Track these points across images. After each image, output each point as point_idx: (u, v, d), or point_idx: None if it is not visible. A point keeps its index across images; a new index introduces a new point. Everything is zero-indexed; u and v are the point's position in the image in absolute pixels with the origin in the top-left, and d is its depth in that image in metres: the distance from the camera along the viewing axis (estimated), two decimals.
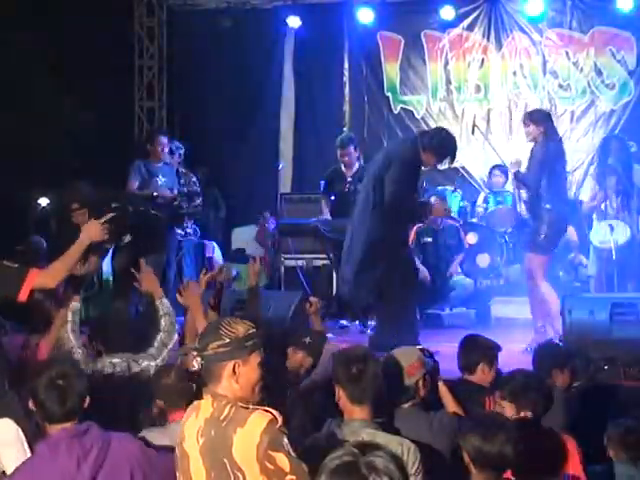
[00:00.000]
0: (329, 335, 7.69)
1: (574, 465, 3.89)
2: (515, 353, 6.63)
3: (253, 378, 3.16)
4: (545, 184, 7.26)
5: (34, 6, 9.26)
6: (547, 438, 3.89)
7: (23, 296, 4.39)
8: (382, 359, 4.15)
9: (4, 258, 4.42)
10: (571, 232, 9.84)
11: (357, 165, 9.12)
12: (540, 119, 7.46)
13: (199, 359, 3.14)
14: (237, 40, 11.25)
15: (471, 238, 9.67)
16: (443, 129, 7.63)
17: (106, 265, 8.20)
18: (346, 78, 11.70)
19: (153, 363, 4.74)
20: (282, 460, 2.98)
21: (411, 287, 7.17)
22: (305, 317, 6.85)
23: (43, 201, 9.76)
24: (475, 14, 11.25)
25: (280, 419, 3.04)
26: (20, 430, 3.94)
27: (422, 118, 11.46)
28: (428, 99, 11.47)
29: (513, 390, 4.13)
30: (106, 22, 10.43)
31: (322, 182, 9.56)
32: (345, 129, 11.43)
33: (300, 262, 9.42)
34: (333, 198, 9.10)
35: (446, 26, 11.29)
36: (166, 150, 8.91)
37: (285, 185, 11.46)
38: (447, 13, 11.10)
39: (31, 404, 3.51)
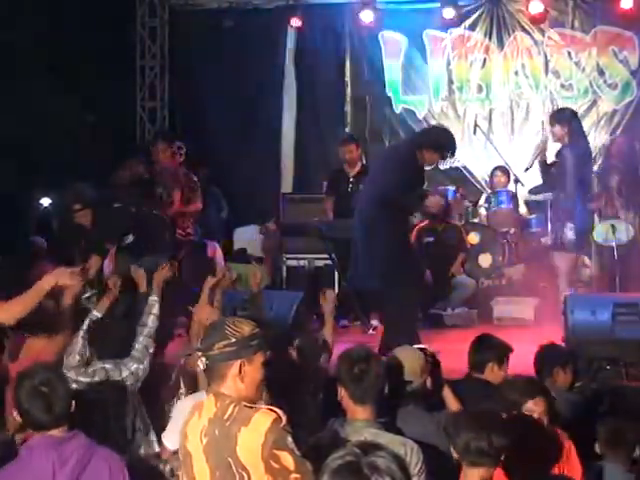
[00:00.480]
0: None
1: (570, 463, 3.88)
2: (517, 353, 6.61)
3: (257, 377, 3.17)
4: (575, 185, 7.24)
5: (35, 6, 9.26)
6: (539, 433, 3.88)
7: None
8: (385, 359, 4.14)
9: (4, 258, 4.41)
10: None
11: (359, 165, 9.12)
12: (565, 119, 7.40)
13: (204, 359, 3.14)
14: (239, 40, 11.25)
15: (473, 238, 9.67)
16: (439, 126, 7.63)
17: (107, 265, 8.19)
18: (348, 78, 11.70)
19: (141, 366, 4.77)
20: (287, 459, 2.99)
21: (417, 287, 7.18)
22: (306, 317, 6.88)
23: (45, 201, 9.76)
24: (477, 14, 11.25)
25: (284, 418, 3.04)
26: None
27: (424, 118, 11.45)
28: (430, 99, 11.46)
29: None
30: (108, 22, 10.42)
31: (325, 182, 9.57)
32: (347, 129, 11.43)
33: (302, 262, 9.42)
34: (335, 198, 9.10)
35: (448, 26, 11.29)
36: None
37: (287, 185, 11.46)
38: (449, 13, 11.09)
39: (16, 414, 3.44)
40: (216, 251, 10.14)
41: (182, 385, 4.79)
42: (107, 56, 10.30)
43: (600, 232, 8.09)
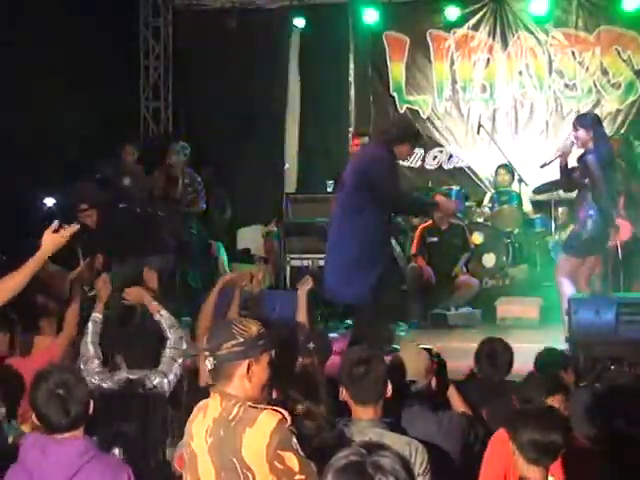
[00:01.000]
0: (333, 334, 7.75)
1: None
2: (521, 353, 6.61)
3: (263, 377, 3.17)
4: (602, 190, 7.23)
5: (37, 6, 9.26)
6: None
7: None
8: (390, 360, 4.14)
9: (9, 258, 4.41)
10: None
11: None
12: (590, 124, 7.34)
13: (211, 359, 3.13)
14: (242, 40, 11.25)
15: (477, 238, 9.66)
16: (397, 118, 7.65)
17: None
18: (352, 78, 11.71)
19: (165, 380, 4.67)
20: (291, 460, 2.99)
21: (395, 288, 7.21)
22: (310, 318, 6.87)
23: (49, 201, 9.76)
24: (481, 14, 11.25)
25: (289, 419, 3.04)
26: None
27: (428, 118, 11.46)
28: (434, 99, 11.46)
29: None
30: (111, 22, 10.43)
31: (331, 181, 9.57)
32: (350, 129, 11.44)
33: (306, 262, 9.42)
34: None
35: (452, 26, 11.29)
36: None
37: (290, 185, 11.46)
38: (452, 13, 11.10)
39: (34, 416, 3.40)
40: (220, 251, 10.17)
41: (184, 385, 4.78)
42: (111, 56, 10.30)
43: None
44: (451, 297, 9.17)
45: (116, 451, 3.96)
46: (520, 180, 9.91)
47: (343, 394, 3.74)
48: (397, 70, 11.56)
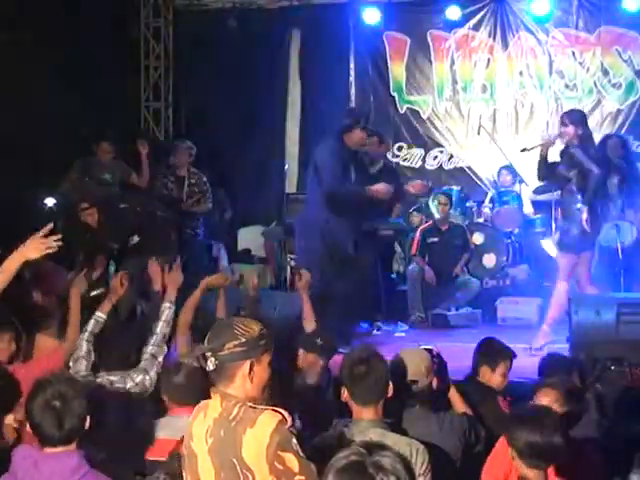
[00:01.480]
0: None
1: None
2: (521, 354, 6.62)
3: (264, 377, 3.17)
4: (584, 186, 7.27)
5: (38, 6, 9.25)
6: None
7: None
8: (391, 360, 4.14)
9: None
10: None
11: (380, 162, 9.14)
12: (579, 121, 7.40)
13: (213, 359, 3.12)
14: (243, 40, 11.25)
15: (477, 238, 9.67)
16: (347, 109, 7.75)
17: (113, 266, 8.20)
18: (352, 78, 11.70)
19: (147, 377, 4.67)
20: (291, 460, 2.98)
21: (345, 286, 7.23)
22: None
23: (49, 201, 9.76)
24: (481, 14, 11.24)
25: (289, 419, 3.04)
26: None
27: (428, 118, 11.46)
28: (434, 99, 11.46)
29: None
30: (112, 22, 10.43)
31: None
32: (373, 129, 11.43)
33: None
34: None
35: (452, 26, 11.28)
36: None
37: (291, 185, 11.46)
38: (453, 13, 11.09)
39: (28, 427, 3.33)
40: (220, 252, 10.17)
41: None
42: (111, 56, 10.30)
43: (604, 234, 8.08)
44: (451, 297, 9.19)
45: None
46: (520, 180, 9.91)
47: (344, 394, 3.74)
48: (397, 70, 11.56)
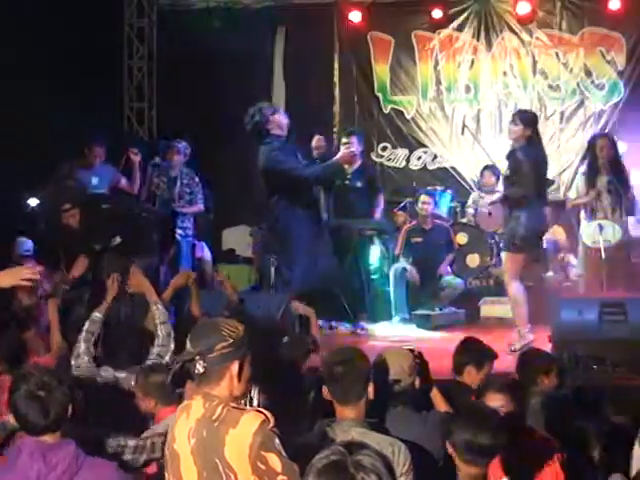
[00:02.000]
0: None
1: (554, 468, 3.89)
2: (504, 353, 6.64)
3: (247, 376, 3.19)
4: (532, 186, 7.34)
5: (22, 6, 9.22)
6: (532, 434, 3.90)
7: None
8: (374, 360, 4.14)
9: None
10: (560, 232, 9.90)
11: (359, 161, 9.15)
12: (530, 121, 7.49)
13: (202, 362, 3.12)
14: (227, 40, 11.22)
15: (461, 238, 9.70)
16: None
17: None
18: (336, 78, 11.71)
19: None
20: (274, 460, 2.99)
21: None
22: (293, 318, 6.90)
23: (32, 202, 9.72)
24: (465, 15, 11.26)
25: (272, 420, 3.04)
26: None
27: (412, 118, 11.47)
28: (418, 99, 11.48)
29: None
30: (95, 22, 10.38)
31: None
32: (335, 129, 11.44)
33: None
34: (332, 194, 9.10)
35: (436, 27, 11.31)
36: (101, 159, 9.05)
37: None
38: (437, 14, 11.12)
39: (12, 418, 3.38)
40: (204, 252, 10.15)
41: None
42: (95, 57, 10.27)
43: (587, 232, 8.11)
44: (435, 297, 9.20)
45: None
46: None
47: (325, 393, 3.75)
48: (382, 70, 11.57)
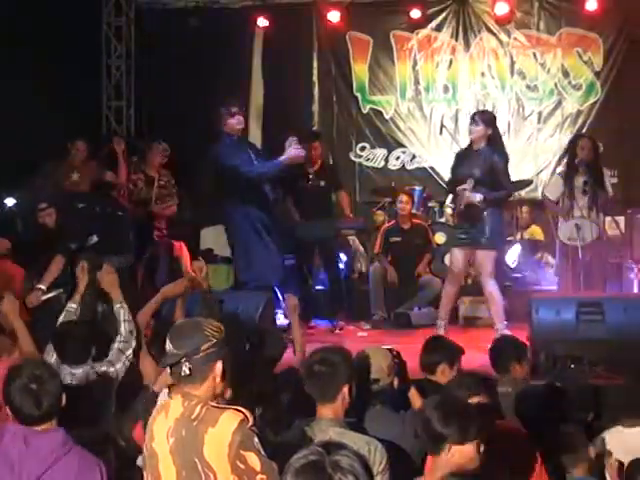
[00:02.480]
0: None
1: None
2: (483, 352, 6.66)
3: (226, 374, 3.22)
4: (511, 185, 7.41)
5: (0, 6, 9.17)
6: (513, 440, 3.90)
7: None
8: (354, 360, 4.14)
9: None
10: (538, 231, 9.95)
11: (319, 162, 9.18)
12: (490, 121, 7.57)
13: (187, 364, 3.14)
14: (206, 40, 11.20)
15: (439, 238, 9.71)
16: None
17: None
18: (315, 78, 11.70)
19: (112, 369, 4.77)
20: (253, 459, 3.00)
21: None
22: (273, 318, 6.89)
23: (9, 201, 9.66)
24: (443, 15, 11.28)
25: (251, 419, 3.05)
26: None
27: (391, 118, 11.48)
28: (397, 99, 11.49)
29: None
30: (73, 21, 10.33)
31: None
32: (314, 129, 11.43)
33: None
34: (294, 195, 9.11)
35: (415, 27, 11.32)
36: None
37: None
38: (416, 14, 11.14)
39: (8, 410, 3.47)
40: (182, 251, 10.11)
41: None
42: (73, 55, 10.22)
43: (564, 231, 8.15)
44: (414, 297, 9.22)
45: None
46: None
47: (305, 391, 3.75)
48: (360, 70, 11.58)
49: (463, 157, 7.69)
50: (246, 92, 11.71)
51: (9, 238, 8.44)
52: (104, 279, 5.18)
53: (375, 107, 11.55)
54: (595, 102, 10.99)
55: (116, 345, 4.89)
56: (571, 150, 8.33)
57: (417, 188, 10.28)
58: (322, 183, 9.09)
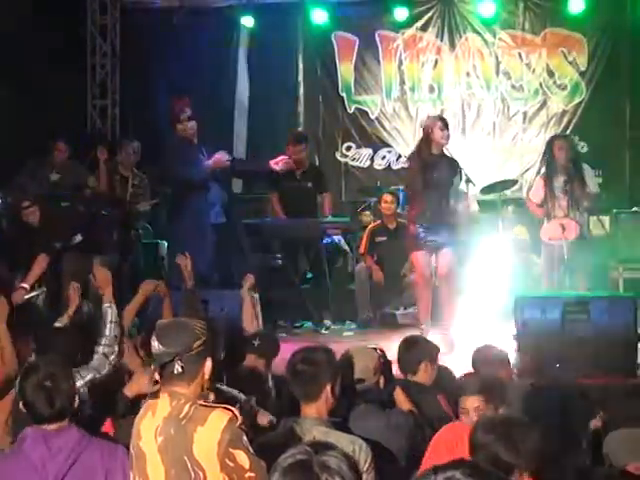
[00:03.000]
0: (282, 335, 7.75)
1: None
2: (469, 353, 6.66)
3: (211, 372, 3.26)
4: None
5: None
6: None
7: None
8: (339, 359, 4.13)
9: None
10: (523, 231, 9.96)
11: (307, 163, 9.19)
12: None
13: (180, 362, 3.15)
14: (191, 39, 11.18)
15: None
16: None
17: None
18: (300, 78, 11.69)
19: (98, 375, 4.67)
20: (242, 457, 3.02)
21: None
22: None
23: None
24: (429, 15, 11.29)
25: (240, 417, 3.06)
26: None
27: (376, 118, 11.49)
28: (382, 99, 11.50)
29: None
30: (58, 20, 10.29)
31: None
32: (299, 129, 11.42)
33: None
34: (281, 196, 9.12)
35: (400, 26, 11.33)
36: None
37: (238, 185, 11.41)
38: (401, 14, 11.14)
39: (21, 405, 3.54)
40: (166, 251, 10.09)
41: None
42: (58, 54, 10.17)
43: (547, 231, 8.18)
44: (400, 297, 9.21)
45: None
46: (468, 180, 9.95)
47: (290, 391, 3.75)
48: (346, 70, 11.57)
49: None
50: (231, 92, 11.70)
51: None
52: (98, 274, 5.11)
53: (361, 107, 11.55)
54: (580, 102, 11.02)
55: (100, 349, 4.80)
56: (549, 151, 8.38)
57: (402, 188, 10.27)
58: (309, 184, 9.09)
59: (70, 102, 10.93)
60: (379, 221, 9.65)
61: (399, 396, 4.53)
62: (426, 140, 7.63)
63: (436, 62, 11.36)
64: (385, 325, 8.90)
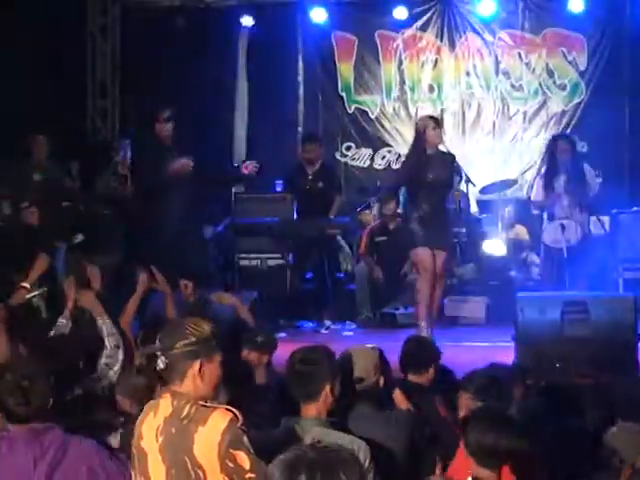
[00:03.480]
0: (282, 334, 7.76)
1: None
2: (469, 352, 6.68)
3: (215, 377, 3.20)
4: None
5: None
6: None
7: None
8: (338, 358, 4.14)
9: None
10: (523, 231, 9.97)
11: (319, 163, 9.21)
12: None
13: (163, 358, 3.15)
14: (191, 39, 11.19)
15: None
16: None
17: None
18: (300, 78, 11.70)
19: (99, 386, 4.71)
20: (242, 458, 3.01)
21: None
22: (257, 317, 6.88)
23: None
24: (429, 14, 11.30)
25: (241, 418, 3.06)
26: None
27: (376, 118, 11.49)
28: (382, 99, 11.50)
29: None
30: (59, 20, 10.30)
31: (280, 181, 9.61)
32: (299, 129, 11.43)
33: (254, 262, 9.40)
34: (295, 196, 9.14)
35: (400, 26, 11.33)
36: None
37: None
38: (401, 13, 11.15)
39: None
40: None
41: None
42: (58, 54, 10.18)
43: (549, 234, 8.17)
44: (400, 296, 9.22)
45: None
46: (467, 180, 9.96)
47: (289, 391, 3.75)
48: (346, 70, 11.58)
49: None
50: (231, 92, 11.70)
51: None
52: (82, 299, 5.15)
53: (360, 107, 11.55)
54: (580, 102, 11.02)
55: (102, 360, 4.84)
56: (550, 152, 8.38)
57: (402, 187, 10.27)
58: (320, 184, 9.11)
59: (70, 102, 10.93)
60: (379, 221, 9.66)
61: (398, 397, 4.53)
62: (419, 141, 7.62)
63: (436, 62, 11.36)
64: (385, 325, 8.90)
